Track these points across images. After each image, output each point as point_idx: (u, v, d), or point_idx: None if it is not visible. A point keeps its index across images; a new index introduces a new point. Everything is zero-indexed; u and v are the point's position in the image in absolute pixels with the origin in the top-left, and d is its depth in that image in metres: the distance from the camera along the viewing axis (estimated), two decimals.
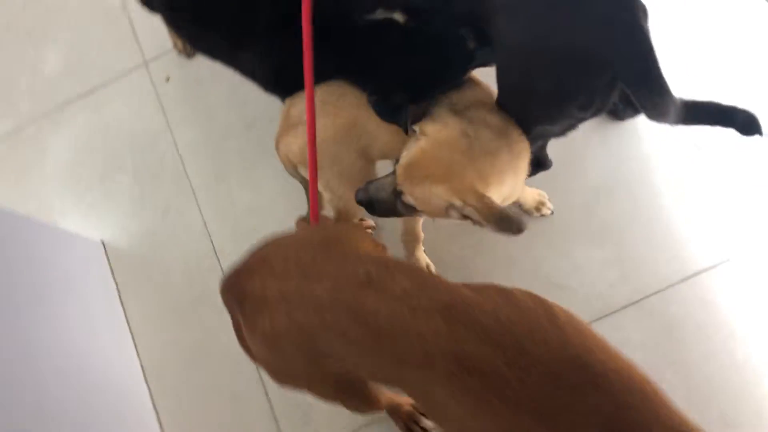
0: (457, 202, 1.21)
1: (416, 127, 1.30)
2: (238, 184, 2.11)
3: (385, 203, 1.35)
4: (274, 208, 2.06)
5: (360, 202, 1.38)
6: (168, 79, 2.23)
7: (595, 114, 1.34)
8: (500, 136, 1.30)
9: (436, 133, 1.27)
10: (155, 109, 2.21)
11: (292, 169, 1.58)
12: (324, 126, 1.43)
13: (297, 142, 1.48)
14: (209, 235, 2.07)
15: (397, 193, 1.30)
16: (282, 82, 1.57)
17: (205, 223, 2.08)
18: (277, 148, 1.57)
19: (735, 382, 1.69)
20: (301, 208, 1.80)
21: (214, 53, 1.68)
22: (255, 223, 2.06)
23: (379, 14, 1.41)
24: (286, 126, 1.53)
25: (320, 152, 1.43)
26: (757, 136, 1.22)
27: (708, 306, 1.77)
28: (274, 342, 1.16)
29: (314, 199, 1.49)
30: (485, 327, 0.97)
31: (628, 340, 1.73)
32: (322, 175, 1.48)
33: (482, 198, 1.19)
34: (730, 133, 1.23)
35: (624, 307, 1.79)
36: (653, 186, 1.92)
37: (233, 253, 1.99)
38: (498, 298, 1.02)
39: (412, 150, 1.27)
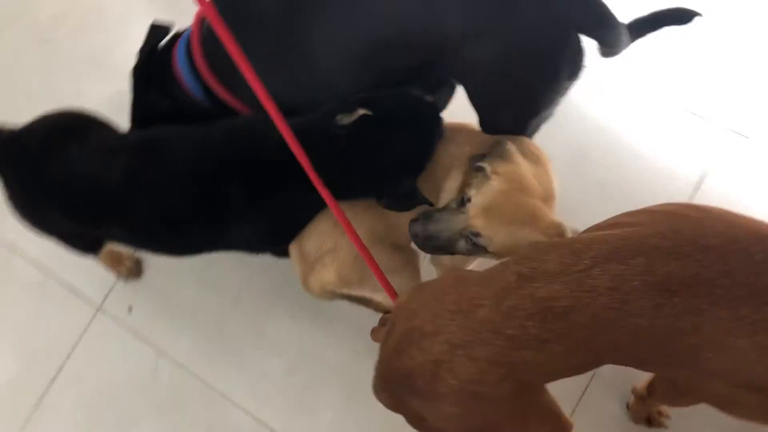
0: (543, 239, 1.24)
1: (487, 166, 1.31)
2: (261, 358, 1.97)
3: (446, 241, 1.32)
4: (308, 354, 1.95)
5: (415, 236, 1.34)
6: (130, 309, 2.08)
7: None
8: (538, 163, 1.41)
9: (510, 173, 1.29)
10: (135, 343, 2.04)
11: (331, 296, 1.52)
12: (348, 245, 1.40)
13: (329, 272, 1.45)
14: (265, 423, 1.90)
15: (467, 234, 1.28)
16: (284, 234, 1.54)
17: (254, 417, 1.91)
18: (309, 288, 1.51)
19: None
20: (332, 340, 1.73)
21: (201, 249, 1.61)
22: (301, 381, 1.94)
23: (344, 119, 1.39)
24: (308, 264, 1.49)
25: (357, 267, 1.42)
26: (697, 19, 1.43)
27: None
28: (470, 391, 1.07)
29: (383, 280, 1.40)
30: (659, 247, 1.00)
31: None
32: (368, 284, 1.45)
33: (561, 228, 1.25)
34: None
35: None
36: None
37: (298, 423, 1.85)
38: (650, 218, 1.07)
39: (488, 192, 1.27)
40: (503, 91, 1.40)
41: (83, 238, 1.72)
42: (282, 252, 1.58)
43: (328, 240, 1.45)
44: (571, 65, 1.38)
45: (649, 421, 1.71)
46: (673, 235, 1.01)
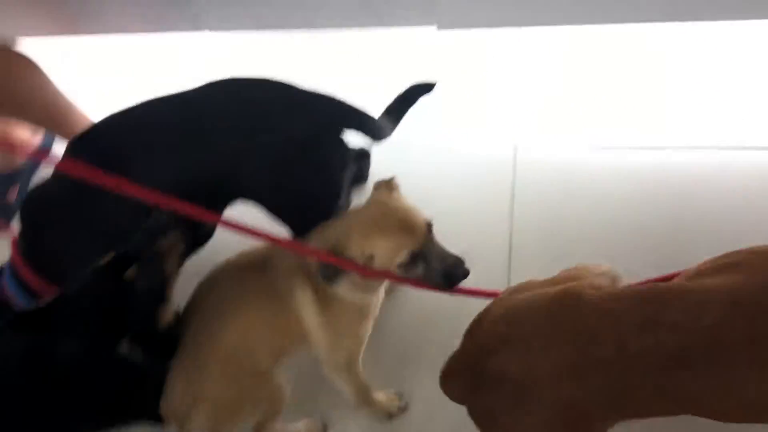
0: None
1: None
2: None
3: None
4: None
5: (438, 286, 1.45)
6: None
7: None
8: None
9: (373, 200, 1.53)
10: None
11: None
12: (212, 391, 1.53)
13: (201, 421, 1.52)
14: None
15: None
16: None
17: None
18: None
19: None
20: None
21: None
22: None
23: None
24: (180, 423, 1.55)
25: (225, 407, 1.55)
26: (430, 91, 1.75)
27: None
28: (561, 415, 1.08)
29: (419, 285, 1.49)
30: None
31: None
32: (242, 414, 1.60)
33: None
34: None
35: None
36: None
37: None
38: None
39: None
40: (290, 200, 1.54)
41: None
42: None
43: (186, 396, 1.49)
44: (341, 158, 1.59)
45: None
46: None
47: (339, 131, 1.57)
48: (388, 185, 1.50)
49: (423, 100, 1.78)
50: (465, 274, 1.41)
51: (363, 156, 2.15)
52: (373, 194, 1.51)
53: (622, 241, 1.99)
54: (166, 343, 1.51)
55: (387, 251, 1.37)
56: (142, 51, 2.86)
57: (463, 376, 1.22)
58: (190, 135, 1.51)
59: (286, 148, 1.49)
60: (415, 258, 1.39)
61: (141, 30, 2.49)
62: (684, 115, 2.29)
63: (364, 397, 1.72)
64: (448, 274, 1.40)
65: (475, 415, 1.23)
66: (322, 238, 1.47)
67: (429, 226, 1.42)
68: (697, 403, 1.05)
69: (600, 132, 2.29)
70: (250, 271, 1.58)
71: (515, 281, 1.32)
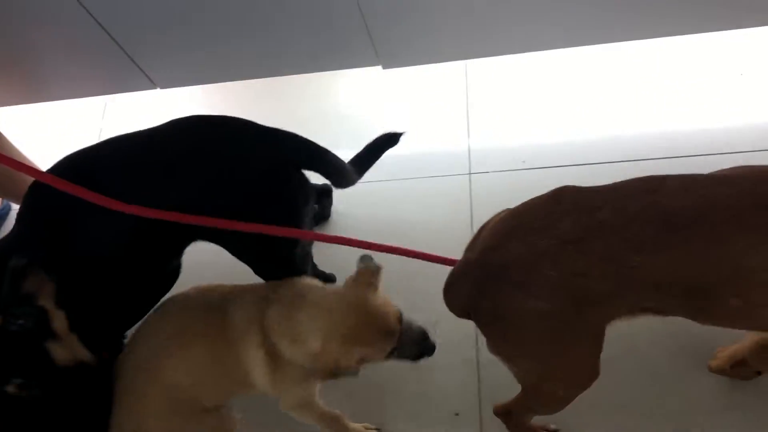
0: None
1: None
2: None
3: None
4: None
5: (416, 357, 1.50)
6: None
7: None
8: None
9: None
10: None
11: None
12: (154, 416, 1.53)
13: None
14: None
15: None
16: None
17: None
18: None
19: None
20: None
21: None
22: None
23: None
24: None
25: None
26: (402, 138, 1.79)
27: None
28: (568, 286, 1.11)
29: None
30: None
31: None
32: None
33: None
34: None
35: None
36: None
37: None
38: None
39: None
40: (251, 237, 1.50)
41: None
42: None
43: (129, 426, 1.49)
44: (304, 195, 1.60)
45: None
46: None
47: (300, 168, 1.58)
48: (369, 279, 1.47)
49: None
50: (432, 348, 1.49)
51: (325, 193, 2.18)
52: (350, 287, 1.48)
53: None
54: (74, 378, 1.46)
55: (370, 355, 1.43)
56: (98, 113, 2.91)
57: (467, 281, 1.24)
58: (153, 171, 1.51)
59: (248, 184, 1.50)
60: (392, 352, 1.45)
61: (95, 93, 2.54)
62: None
63: (336, 428, 1.70)
64: (419, 354, 1.49)
65: (481, 319, 1.26)
66: (291, 327, 1.47)
67: (400, 319, 1.46)
68: (693, 273, 1.09)
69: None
70: (206, 310, 1.56)
71: None
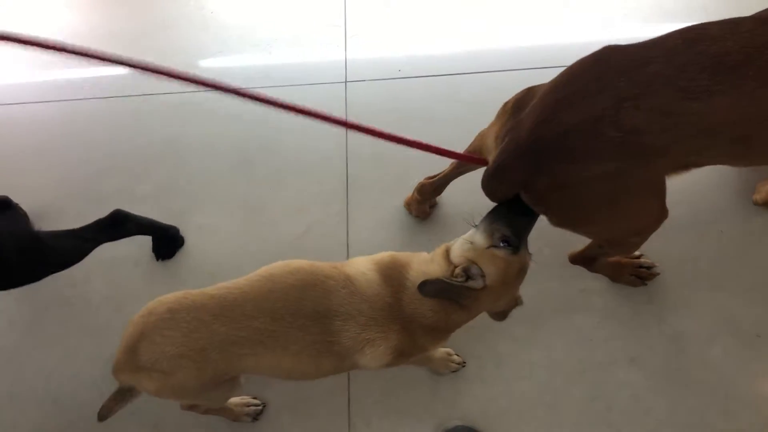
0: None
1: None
2: None
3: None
4: None
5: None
6: None
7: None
8: None
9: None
10: None
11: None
12: (182, 378, 1.32)
13: (149, 384, 1.32)
14: None
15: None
16: None
17: None
18: (117, 376, 1.36)
19: None
20: None
21: None
22: None
23: None
24: (132, 359, 1.31)
25: (178, 395, 1.42)
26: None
27: None
28: (629, 142, 1.11)
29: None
30: None
31: None
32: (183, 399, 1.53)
33: None
34: None
35: None
36: None
37: None
38: None
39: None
40: None
41: None
42: None
43: (166, 361, 1.30)
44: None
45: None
46: None
47: None
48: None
49: None
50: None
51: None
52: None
53: None
54: None
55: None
56: None
57: (519, 161, 1.22)
58: None
59: None
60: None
61: None
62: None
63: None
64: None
65: (540, 195, 1.24)
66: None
67: None
68: (742, 114, 1.11)
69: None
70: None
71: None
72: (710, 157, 1.24)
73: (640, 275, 1.78)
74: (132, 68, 1.27)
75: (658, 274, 1.79)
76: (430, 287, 1.22)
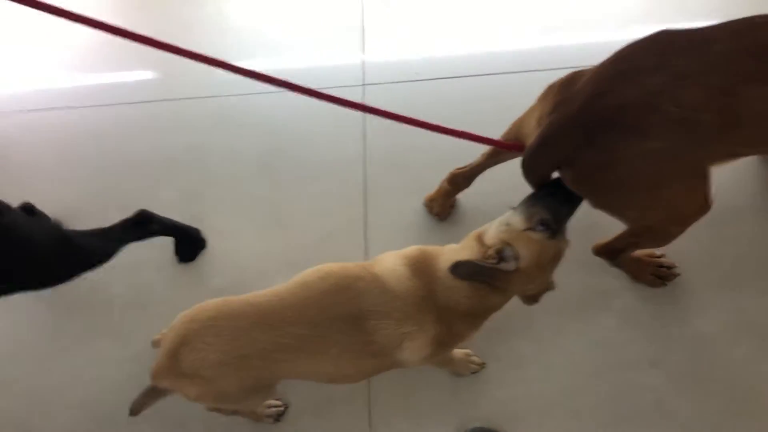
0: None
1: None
2: None
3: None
4: None
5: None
6: None
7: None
8: None
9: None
10: None
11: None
12: (222, 385, 1.33)
13: (191, 391, 1.32)
14: None
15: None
16: None
17: None
18: (156, 381, 1.35)
19: None
20: None
21: None
22: None
23: None
24: (173, 367, 1.31)
25: (219, 401, 1.44)
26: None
27: None
28: (687, 120, 1.10)
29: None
30: None
31: None
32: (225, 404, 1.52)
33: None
34: None
35: None
36: None
37: None
38: None
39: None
40: None
41: None
42: None
43: (208, 369, 1.29)
44: None
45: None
46: None
47: None
48: None
49: None
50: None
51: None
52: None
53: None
54: None
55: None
56: None
57: (567, 135, 1.20)
58: None
59: None
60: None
61: None
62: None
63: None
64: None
65: (585, 172, 1.22)
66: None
67: None
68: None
69: None
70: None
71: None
72: (763, 145, 1.23)
73: (661, 275, 1.77)
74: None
75: (679, 274, 1.78)
76: (462, 269, 1.24)
